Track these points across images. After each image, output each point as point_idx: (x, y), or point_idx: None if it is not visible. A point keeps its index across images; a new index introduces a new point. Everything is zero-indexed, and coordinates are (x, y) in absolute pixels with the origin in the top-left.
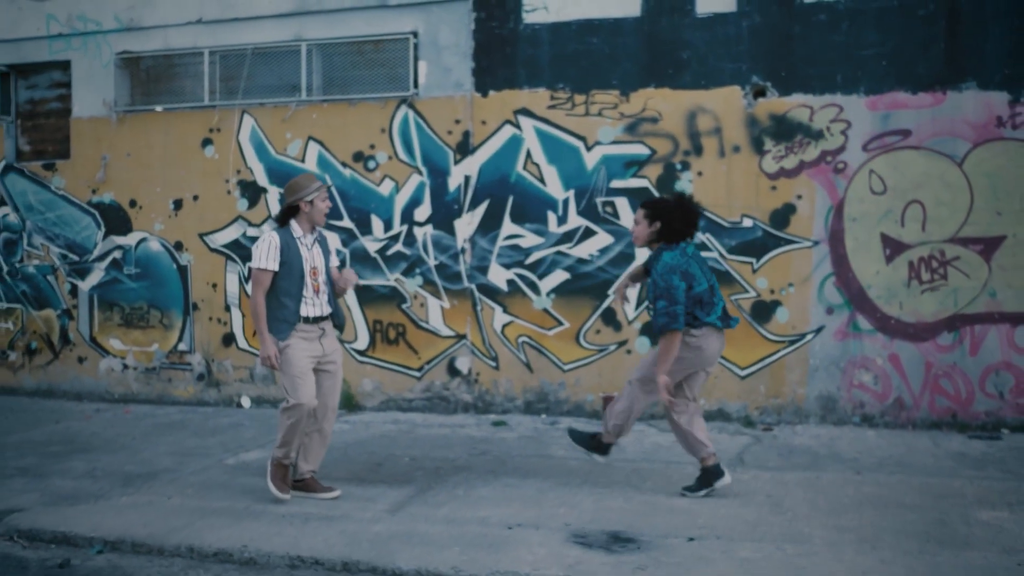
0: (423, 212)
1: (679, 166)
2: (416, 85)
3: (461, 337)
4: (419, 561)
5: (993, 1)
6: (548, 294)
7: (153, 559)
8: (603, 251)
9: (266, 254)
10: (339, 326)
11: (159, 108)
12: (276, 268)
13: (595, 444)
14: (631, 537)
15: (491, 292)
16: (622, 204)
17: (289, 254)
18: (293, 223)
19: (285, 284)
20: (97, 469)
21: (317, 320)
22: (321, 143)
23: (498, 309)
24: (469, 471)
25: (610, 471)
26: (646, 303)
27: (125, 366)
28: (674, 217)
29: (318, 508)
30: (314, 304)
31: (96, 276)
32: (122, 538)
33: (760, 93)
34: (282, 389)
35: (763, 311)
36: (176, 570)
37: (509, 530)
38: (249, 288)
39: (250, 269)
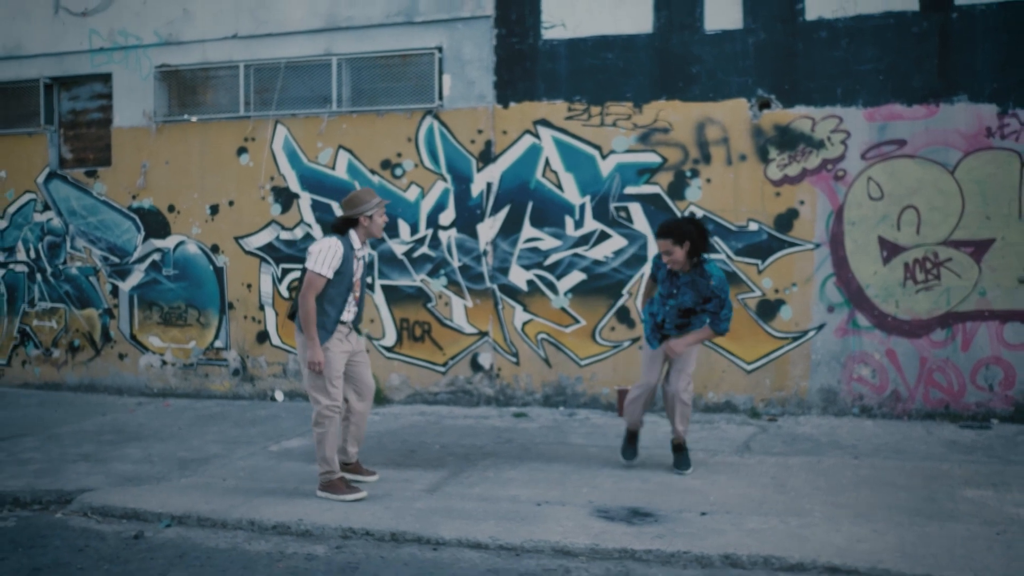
0: (447, 217)
1: (689, 174)
2: (441, 97)
3: (483, 334)
4: (459, 532)
5: (983, 20)
6: (565, 294)
7: (217, 531)
8: (617, 253)
9: (327, 260)
10: (356, 328)
11: (194, 119)
12: (331, 276)
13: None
14: (649, 512)
15: (512, 292)
16: (635, 209)
17: (345, 264)
18: (352, 234)
19: (333, 292)
20: (152, 455)
21: (347, 322)
22: (351, 151)
23: (518, 308)
24: (496, 457)
25: None
26: (679, 305)
27: (164, 362)
28: (695, 233)
29: (362, 488)
30: (349, 311)
31: (136, 277)
32: (188, 513)
33: (765, 105)
34: (313, 390)
35: (768, 309)
36: (239, 540)
37: (538, 506)
38: (282, 287)
39: (304, 270)
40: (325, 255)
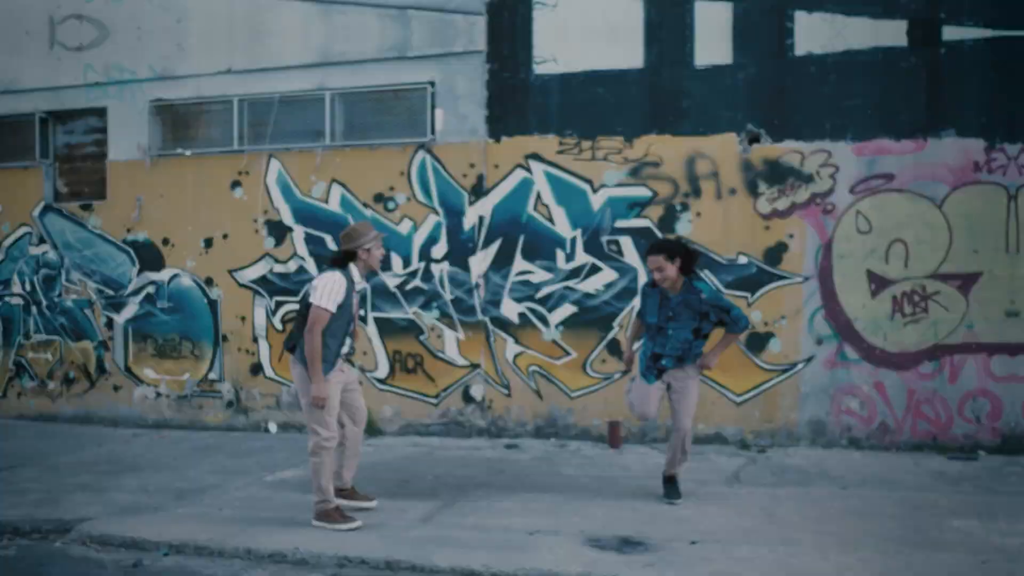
0: (440, 250)
1: (679, 207)
2: (433, 131)
3: (475, 366)
4: (454, 560)
5: (971, 55)
6: (557, 326)
7: (215, 560)
8: (608, 286)
9: (332, 295)
10: (350, 360)
11: (188, 153)
12: (335, 310)
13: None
14: (640, 541)
15: (503, 324)
16: (626, 243)
17: (347, 298)
18: (352, 267)
19: (335, 326)
20: (149, 485)
21: (344, 354)
22: (344, 185)
23: (510, 340)
24: (489, 487)
25: (618, 486)
26: (682, 325)
27: (158, 394)
28: (683, 253)
29: (357, 517)
30: (346, 343)
31: (131, 310)
32: (185, 543)
33: (755, 139)
34: (311, 422)
35: (758, 342)
36: (237, 569)
37: (531, 535)
38: (276, 319)
39: (306, 305)
40: (330, 290)
